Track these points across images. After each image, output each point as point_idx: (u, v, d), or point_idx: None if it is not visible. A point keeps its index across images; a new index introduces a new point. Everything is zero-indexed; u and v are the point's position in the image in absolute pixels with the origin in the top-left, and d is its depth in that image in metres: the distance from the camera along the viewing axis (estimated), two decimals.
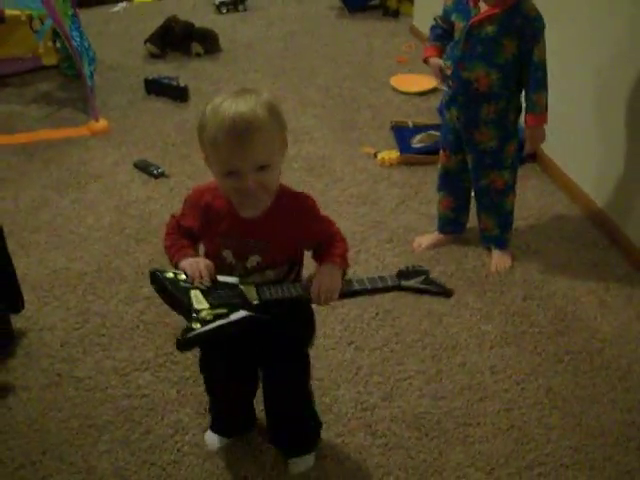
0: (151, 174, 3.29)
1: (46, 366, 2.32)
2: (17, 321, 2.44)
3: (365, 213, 3.01)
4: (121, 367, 2.31)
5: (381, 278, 1.66)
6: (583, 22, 2.92)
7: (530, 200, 3.10)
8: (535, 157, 3.33)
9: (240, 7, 5.18)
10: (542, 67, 2.35)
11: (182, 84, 3.96)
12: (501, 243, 2.72)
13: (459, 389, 2.22)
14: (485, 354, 2.35)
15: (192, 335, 1.50)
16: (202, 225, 1.63)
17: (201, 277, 1.57)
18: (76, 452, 2.03)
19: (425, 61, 2.59)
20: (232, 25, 4.94)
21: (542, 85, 2.36)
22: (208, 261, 1.61)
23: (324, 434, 2.04)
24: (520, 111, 2.50)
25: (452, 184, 2.72)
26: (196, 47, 4.47)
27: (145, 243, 2.85)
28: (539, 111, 2.38)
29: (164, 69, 4.27)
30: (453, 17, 2.45)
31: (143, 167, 3.33)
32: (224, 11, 5.14)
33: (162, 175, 3.28)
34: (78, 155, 3.47)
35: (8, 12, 4.07)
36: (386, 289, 1.66)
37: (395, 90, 4.06)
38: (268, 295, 1.58)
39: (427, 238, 2.83)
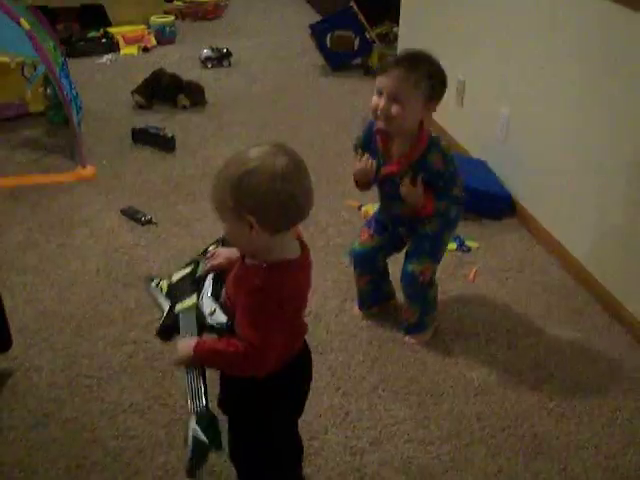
0: (138, 221, 3.32)
1: (33, 406, 2.31)
2: (3, 361, 2.43)
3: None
4: (109, 409, 2.31)
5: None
6: (572, 80, 3.00)
7: (510, 252, 3.19)
8: (514, 211, 3.41)
9: (225, 62, 5.28)
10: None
11: (170, 134, 4.01)
12: (415, 330, 2.64)
13: (446, 435, 2.24)
14: (471, 401, 2.38)
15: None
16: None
17: None
18: None
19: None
20: (217, 79, 5.03)
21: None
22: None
23: (314, 478, 2.04)
24: (462, 204, 2.53)
25: (370, 263, 2.66)
26: (182, 99, 4.54)
27: (132, 288, 2.86)
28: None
29: (150, 120, 4.31)
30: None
31: (130, 214, 3.37)
32: (209, 66, 5.24)
33: (149, 222, 3.31)
34: (65, 200, 3.50)
35: None
36: None
37: None
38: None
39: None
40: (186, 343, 1.60)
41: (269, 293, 1.48)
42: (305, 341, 1.75)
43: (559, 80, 3.04)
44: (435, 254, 2.54)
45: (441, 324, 2.73)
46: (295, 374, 1.70)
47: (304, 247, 1.61)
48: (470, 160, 3.78)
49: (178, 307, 1.60)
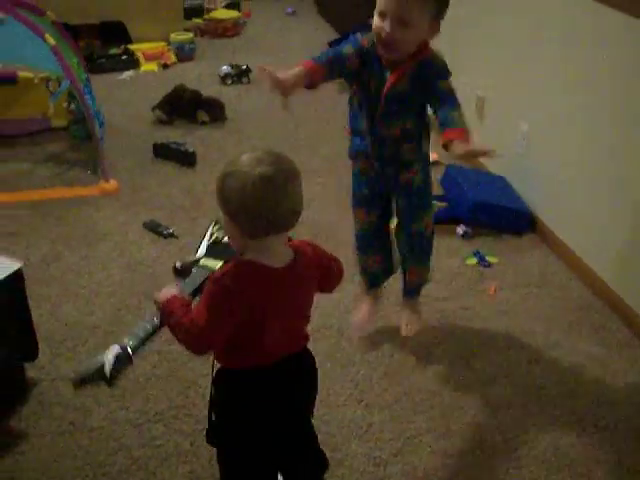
0: (160, 234, 3.36)
1: (59, 415, 2.35)
2: (30, 370, 2.47)
3: None
4: (134, 418, 2.34)
5: None
6: (593, 95, 3.03)
7: (530, 268, 3.21)
8: (534, 227, 3.44)
9: (244, 79, 5.33)
10: (452, 93, 2.26)
11: (190, 149, 4.06)
12: (416, 291, 2.73)
13: (469, 447, 2.26)
14: (493, 414, 2.40)
15: None
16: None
17: None
18: None
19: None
20: (237, 95, 5.08)
21: (457, 105, 2.25)
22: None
23: None
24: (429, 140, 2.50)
25: (379, 240, 2.67)
26: (202, 115, 4.59)
27: None
28: (462, 126, 2.23)
29: (171, 135, 4.37)
30: (367, 72, 2.30)
31: (152, 227, 3.42)
32: (229, 82, 5.30)
33: (171, 235, 3.36)
34: (88, 214, 3.55)
35: (22, 75, 4.18)
36: None
37: None
38: None
39: (365, 312, 2.76)
40: (167, 292, 1.65)
41: (222, 285, 1.52)
42: (286, 378, 1.67)
43: (579, 96, 3.07)
44: (429, 203, 2.58)
45: (462, 338, 2.75)
46: (255, 397, 1.64)
47: (297, 262, 1.61)
48: (489, 176, 3.82)
49: (202, 261, 1.64)
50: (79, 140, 4.23)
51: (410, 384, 2.52)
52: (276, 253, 1.58)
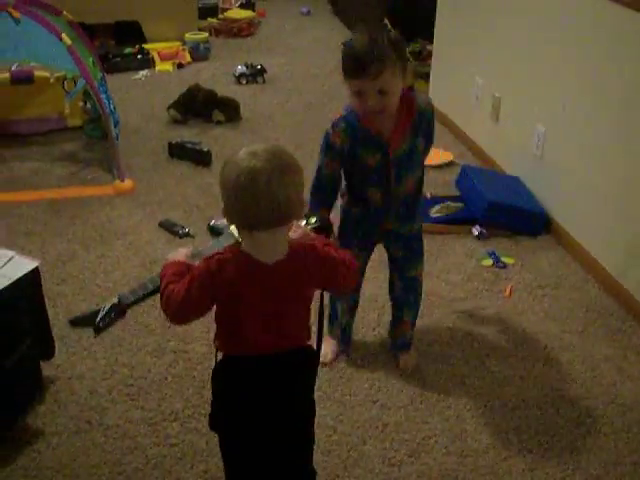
0: (176, 234, 3.38)
1: (75, 413, 2.37)
2: (46, 369, 2.48)
3: (385, 278, 3.04)
4: (150, 417, 2.36)
5: None
6: (610, 96, 3.03)
7: (545, 269, 3.22)
8: (549, 228, 3.45)
9: (259, 79, 5.35)
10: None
11: (205, 149, 4.09)
12: (410, 343, 2.65)
13: (484, 448, 2.27)
14: (508, 415, 2.40)
15: None
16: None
17: None
18: None
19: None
20: (252, 95, 5.10)
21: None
22: None
23: None
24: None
25: (357, 290, 2.61)
26: (217, 115, 4.61)
27: None
28: None
29: (186, 134, 4.40)
30: (359, 152, 2.28)
31: (168, 227, 3.43)
32: (244, 82, 5.32)
33: (187, 235, 3.37)
34: (104, 213, 3.57)
35: (38, 74, 4.21)
36: None
37: None
38: None
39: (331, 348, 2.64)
40: (175, 255, 1.72)
41: (207, 266, 1.57)
42: (267, 372, 1.68)
43: (596, 97, 3.07)
44: (422, 250, 2.53)
45: (477, 339, 2.76)
46: (235, 386, 1.70)
47: (290, 261, 1.61)
48: (504, 176, 3.83)
49: (232, 228, 1.64)
50: (94, 139, 4.27)
51: (425, 385, 2.53)
52: (266, 249, 1.58)
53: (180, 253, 1.72)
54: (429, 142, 2.36)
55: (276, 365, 1.67)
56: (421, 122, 2.28)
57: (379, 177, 2.31)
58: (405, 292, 2.58)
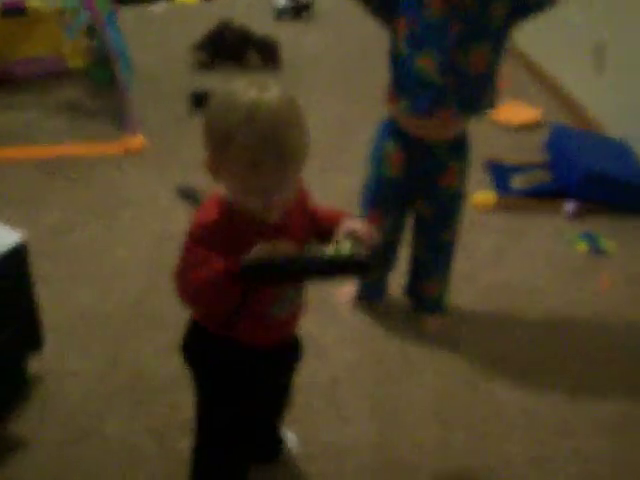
0: (196, 202, 3.36)
1: (65, 419, 2.36)
2: (33, 364, 2.49)
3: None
4: (156, 426, 2.35)
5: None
6: None
7: None
8: None
9: (304, 14, 5.31)
10: None
11: None
12: (439, 305, 2.78)
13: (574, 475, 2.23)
14: (602, 437, 2.36)
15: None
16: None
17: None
18: None
19: None
20: (294, 35, 5.06)
21: None
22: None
23: None
24: None
25: (390, 252, 2.72)
26: (252, 58, 4.58)
27: None
28: None
29: (213, 81, 4.37)
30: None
31: (187, 194, 3.42)
32: (285, 18, 5.28)
33: None
34: (109, 175, 3.57)
35: (31, 3, 4.24)
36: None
37: (491, 121, 4.14)
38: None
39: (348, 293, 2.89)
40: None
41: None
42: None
43: None
44: (460, 210, 2.57)
45: (566, 343, 2.71)
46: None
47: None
48: (607, 141, 3.76)
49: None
50: (100, 85, 4.28)
51: (499, 399, 2.48)
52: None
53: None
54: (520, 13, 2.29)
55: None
56: None
57: (439, 35, 2.25)
58: (434, 254, 2.64)
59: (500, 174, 3.61)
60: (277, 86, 1.49)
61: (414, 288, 2.80)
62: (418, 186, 2.51)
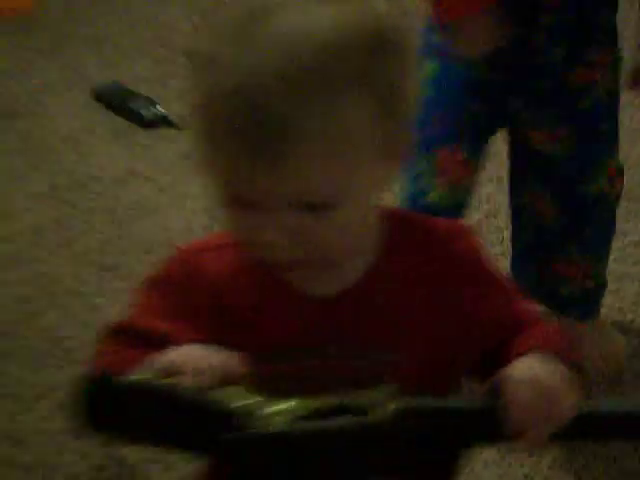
0: (135, 118, 2.73)
1: None
2: None
3: None
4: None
5: None
6: None
7: None
8: None
9: None
10: None
11: None
12: (591, 303, 2.33)
13: None
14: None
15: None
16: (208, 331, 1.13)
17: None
18: None
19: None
20: None
21: None
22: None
23: None
24: None
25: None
26: None
27: (122, 269, 2.35)
28: None
29: None
30: None
31: (114, 101, 2.80)
32: None
33: (162, 121, 2.70)
34: None
35: None
36: None
37: None
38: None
39: None
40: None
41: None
42: None
43: None
44: (615, 136, 2.13)
45: None
46: None
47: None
48: None
49: None
50: None
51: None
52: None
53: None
54: None
55: None
56: None
57: None
58: (567, 223, 2.17)
59: None
60: None
61: None
62: None
